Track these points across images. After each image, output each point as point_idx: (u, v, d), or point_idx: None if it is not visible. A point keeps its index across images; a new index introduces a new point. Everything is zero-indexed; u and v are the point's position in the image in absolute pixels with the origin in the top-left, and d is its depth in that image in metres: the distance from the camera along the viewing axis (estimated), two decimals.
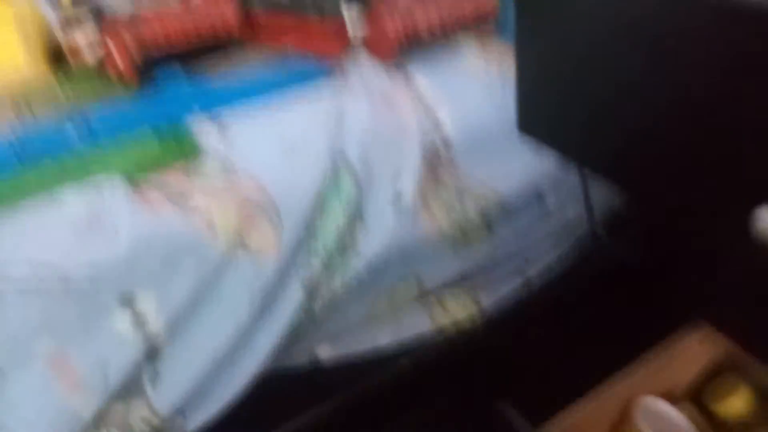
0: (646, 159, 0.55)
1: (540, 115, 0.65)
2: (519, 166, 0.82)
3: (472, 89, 0.81)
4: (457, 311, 0.85)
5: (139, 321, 0.60)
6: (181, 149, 0.66)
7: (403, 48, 0.79)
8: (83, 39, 0.73)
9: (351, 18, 0.83)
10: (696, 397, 0.96)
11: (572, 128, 0.61)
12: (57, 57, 0.77)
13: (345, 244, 0.72)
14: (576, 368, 0.87)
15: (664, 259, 0.88)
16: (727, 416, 0.91)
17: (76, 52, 0.74)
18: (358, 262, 0.72)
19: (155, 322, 0.61)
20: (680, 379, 0.95)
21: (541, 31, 0.59)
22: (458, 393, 0.84)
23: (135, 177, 0.64)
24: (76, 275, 0.56)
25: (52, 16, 0.75)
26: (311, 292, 0.71)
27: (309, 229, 0.69)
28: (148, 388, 0.63)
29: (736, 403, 0.91)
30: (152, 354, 0.62)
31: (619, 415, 0.92)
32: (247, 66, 0.80)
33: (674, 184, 0.54)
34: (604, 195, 0.94)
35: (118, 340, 0.59)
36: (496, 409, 0.81)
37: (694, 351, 0.94)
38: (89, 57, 0.74)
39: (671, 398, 0.94)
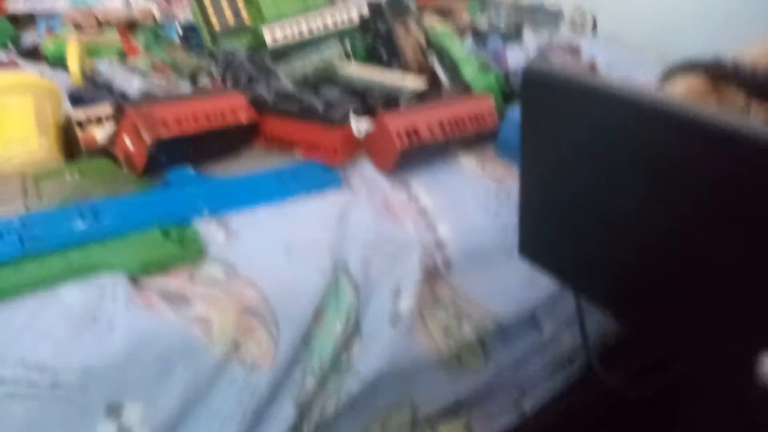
0: (646, 291, 0.55)
1: (541, 241, 0.65)
2: (516, 290, 0.82)
3: (473, 208, 0.82)
4: None
5: None
6: (186, 251, 0.65)
7: (407, 156, 0.80)
8: (101, 134, 0.74)
9: (359, 128, 0.85)
10: None
11: (571, 257, 0.62)
12: (69, 144, 0.77)
13: (341, 362, 0.70)
14: None
15: (661, 394, 0.86)
16: None
17: (91, 143, 0.75)
18: (353, 383, 0.70)
19: None
20: None
21: (544, 162, 0.61)
22: None
23: (138, 276, 0.62)
24: (67, 380, 0.53)
25: (72, 112, 0.76)
26: (303, 412, 0.68)
27: (306, 342, 0.67)
28: None
29: None
30: None
31: None
32: (256, 169, 0.80)
33: (673, 320, 0.54)
34: (599, 325, 0.93)
35: None
36: None
37: None
38: (103, 148, 0.74)
39: None
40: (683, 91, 0.72)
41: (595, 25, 1.63)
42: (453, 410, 0.83)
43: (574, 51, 1.32)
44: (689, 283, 0.51)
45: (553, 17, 1.59)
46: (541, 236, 0.63)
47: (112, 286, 0.60)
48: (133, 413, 0.57)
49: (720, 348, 0.52)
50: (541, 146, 0.58)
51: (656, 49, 1.32)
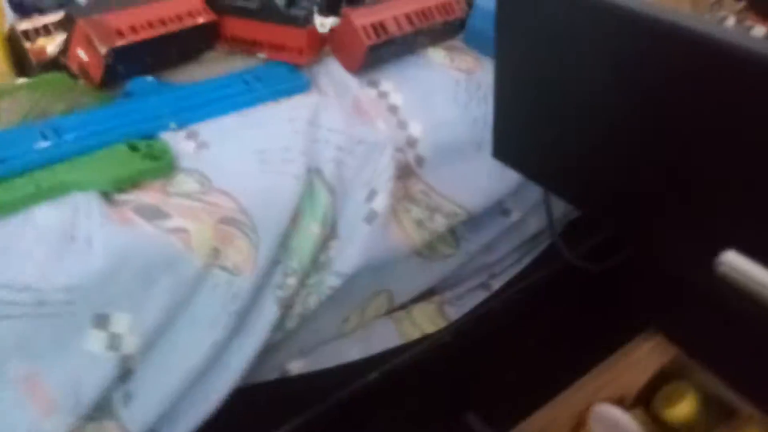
0: (615, 188, 0.57)
1: (514, 143, 0.66)
2: (485, 182, 0.84)
3: (443, 102, 0.82)
4: (426, 325, 0.87)
5: (113, 342, 0.58)
6: (157, 164, 0.65)
7: (374, 52, 0.79)
8: (52, 46, 0.70)
9: (323, 25, 0.82)
10: (647, 404, 1.01)
11: (544, 157, 0.63)
12: (18, 57, 0.74)
13: (320, 262, 0.72)
14: (538, 378, 0.91)
15: (621, 270, 0.92)
16: (675, 421, 0.97)
17: (41, 55, 0.71)
18: (333, 281, 0.73)
19: (129, 342, 0.59)
20: (632, 386, 1.00)
21: (518, 60, 0.60)
22: (425, 404, 0.86)
23: (110, 193, 0.62)
24: (52, 299, 0.55)
25: (17, 23, 0.72)
26: (285, 310, 0.71)
27: (284, 246, 0.69)
28: (120, 409, 0.61)
29: (683, 409, 0.97)
30: (125, 374, 0.61)
31: (577, 422, 0.96)
32: (220, 74, 0.78)
33: (642, 212, 0.56)
34: (563, 208, 0.97)
35: (92, 362, 0.58)
36: (463, 420, 0.83)
37: (646, 359, 0.99)
38: (56, 60, 0.71)
39: (624, 405, 0.99)
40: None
41: None
42: (426, 295, 0.88)
43: None
44: (654, 179, 0.53)
45: None
46: (515, 138, 0.64)
47: (86, 205, 0.60)
48: (120, 323, 0.59)
49: (681, 243, 0.55)
50: (515, 43, 0.57)
51: None
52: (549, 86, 0.57)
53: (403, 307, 0.86)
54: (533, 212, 0.92)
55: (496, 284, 0.93)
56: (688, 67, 0.44)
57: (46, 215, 0.59)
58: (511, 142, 0.65)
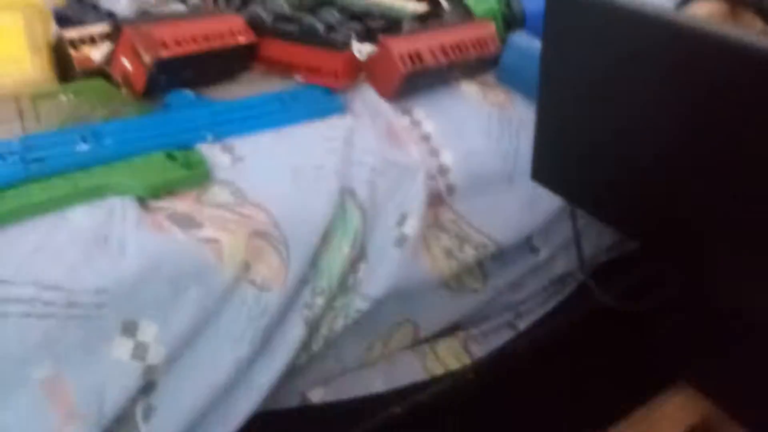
0: (658, 211, 0.56)
1: (555, 166, 0.66)
2: (515, 215, 0.83)
3: (475, 134, 0.82)
4: (450, 361, 0.84)
5: (139, 351, 0.57)
6: (193, 174, 0.64)
7: (409, 80, 0.79)
8: (97, 54, 0.71)
9: (360, 52, 0.83)
10: None
11: (586, 179, 0.63)
12: (61, 65, 0.75)
13: (348, 284, 0.71)
14: (562, 423, 0.87)
15: (651, 315, 0.89)
16: None
17: (86, 63, 0.72)
18: (360, 304, 0.71)
19: (155, 352, 0.57)
20: None
21: (563, 84, 0.61)
22: None
23: (145, 199, 0.62)
24: (83, 300, 0.53)
25: (64, 31, 0.73)
26: (312, 330, 0.69)
27: (314, 265, 0.68)
28: (141, 423, 0.59)
29: None
30: (148, 387, 0.59)
31: None
32: (256, 93, 0.79)
33: (681, 240, 0.55)
34: (592, 250, 0.96)
35: (117, 370, 0.56)
36: None
37: (675, 415, 0.96)
38: (99, 69, 0.72)
39: None
40: (703, 15, 0.72)
41: None
42: (451, 330, 0.85)
43: None
44: (700, 204, 0.52)
45: None
46: (556, 160, 0.64)
47: (121, 208, 0.60)
48: (148, 331, 0.57)
49: (721, 270, 0.54)
50: (561, 68, 0.58)
51: None
52: (594, 105, 0.57)
53: (428, 340, 0.84)
54: (562, 252, 0.91)
55: (522, 324, 0.91)
56: (749, 85, 0.44)
57: (81, 216, 0.58)
58: (551, 164, 0.64)
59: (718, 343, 0.84)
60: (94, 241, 0.57)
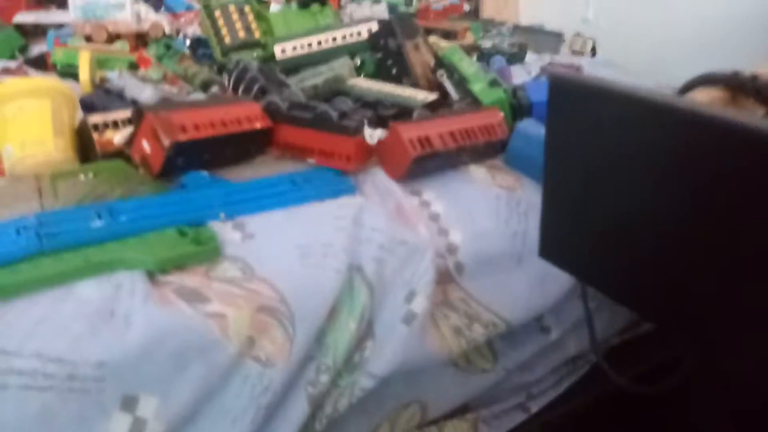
0: (669, 290, 0.55)
1: (562, 243, 0.66)
2: (525, 295, 0.83)
3: (484, 215, 0.83)
4: None
5: (137, 427, 0.56)
6: (203, 249, 0.66)
7: (419, 163, 0.82)
8: (118, 137, 0.75)
9: (372, 137, 0.86)
10: None
11: (594, 257, 0.63)
12: (83, 149, 0.78)
13: (355, 362, 0.70)
14: None
15: (668, 398, 0.86)
16: None
17: (107, 146, 0.76)
18: (366, 382, 0.70)
19: (153, 429, 0.56)
20: None
21: (568, 166, 0.62)
22: None
23: (155, 274, 0.63)
24: (84, 373, 0.53)
25: (89, 116, 0.77)
26: (315, 409, 0.67)
27: (320, 340, 0.68)
28: None
29: None
30: None
31: None
32: (270, 175, 0.81)
33: (695, 319, 0.54)
34: (604, 329, 0.94)
35: None
36: None
37: None
38: (119, 152, 0.75)
39: None
40: (704, 101, 0.74)
41: (594, 50, 1.67)
42: (461, 411, 0.83)
43: (577, 70, 1.34)
44: (713, 285, 0.51)
45: (554, 40, 1.63)
46: (563, 238, 0.64)
47: (130, 282, 0.60)
48: (148, 407, 0.57)
49: (733, 346, 0.53)
50: (566, 151, 0.59)
51: (654, 75, 1.35)
52: (598, 187, 0.58)
53: (436, 422, 0.82)
54: (574, 332, 0.90)
55: (535, 406, 0.88)
56: (753, 168, 0.45)
57: (89, 290, 0.59)
58: (558, 241, 0.65)
59: (737, 423, 0.80)
60: (100, 314, 0.57)
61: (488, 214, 0.83)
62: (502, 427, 0.84)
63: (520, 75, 1.31)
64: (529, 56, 1.51)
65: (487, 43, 1.46)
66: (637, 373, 0.84)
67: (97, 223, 0.65)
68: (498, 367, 0.84)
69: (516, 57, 1.43)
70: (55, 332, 0.55)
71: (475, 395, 0.83)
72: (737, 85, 0.74)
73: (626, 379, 0.81)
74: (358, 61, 1.13)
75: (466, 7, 1.92)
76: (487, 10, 1.92)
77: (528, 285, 0.82)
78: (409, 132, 0.82)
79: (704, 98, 0.77)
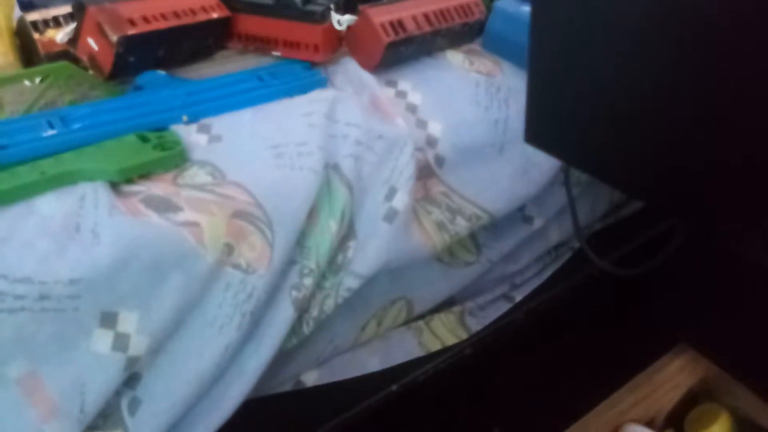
0: (659, 164, 0.53)
1: (549, 126, 0.63)
2: (507, 185, 0.81)
3: (463, 103, 0.79)
4: (446, 336, 0.82)
5: (119, 342, 0.54)
6: (168, 155, 0.61)
7: (392, 50, 0.77)
8: (61, 36, 0.68)
9: (340, 23, 0.80)
10: (678, 426, 0.96)
11: (582, 137, 0.60)
12: (25, 50, 0.71)
13: (337, 263, 0.69)
14: (564, 393, 0.86)
15: (649, 281, 0.88)
16: None
17: (50, 46, 0.69)
18: (351, 282, 0.68)
19: (137, 343, 0.55)
20: (663, 406, 0.95)
21: (553, 39, 0.58)
22: (448, 419, 0.81)
23: (118, 184, 0.59)
24: (55, 292, 0.51)
25: (26, 14, 0.69)
26: (301, 313, 0.67)
27: (300, 245, 0.65)
28: (127, 417, 0.56)
29: (716, 431, 0.91)
30: (131, 379, 0.57)
31: None
32: (232, 71, 0.75)
33: (687, 193, 0.53)
34: (586, 218, 0.94)
35: (97, 364, 0.53)
36: None
37: (676, 377, 0.95)
38: (64, 52, 0.69)
39: (654, 426, 0.94)
40: None
41: None
42: (447, 305, 0.84)
43: None
44: (702, 152, 0.49)
45: None
46: (550, 120, 0.61)
47: (93, 194, 0.56)
48: (128, 322, 0.55)
49: (727, 215, 0.51)
50: (550, 23, 0.54)
51: None
52: (583, 58, 0.54)
53: (423, 316, 0.82)
54: (556, 220, 0.89)
55: (519, 295, 0.89)
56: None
57: (50, 204, 0.55)
58: (545, 125, 0.62)
59: (717, 303, 0.82)
60: (65, 229, 0.54)
61: (468, 102, 0.79)
62: (488, 317, 0.85)
63: None
64: None
65: None
66: (618, 256, 0.85)
67: (49, 132, 0.60)
68: (482, 259, 0.83)
69: None
70: (20, 252, 0.52)
71: (460, 288, 0.83)
72: None
73: (608, 262, 0.81)
74: None
75: None
76: None
77: (510, 175, 0.80)
78: (380, 16, 0.76)
79: None
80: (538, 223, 0.87)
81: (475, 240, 0.83)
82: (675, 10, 0.46)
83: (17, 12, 0.76)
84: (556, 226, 0.90)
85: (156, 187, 0.60)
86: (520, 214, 0.86)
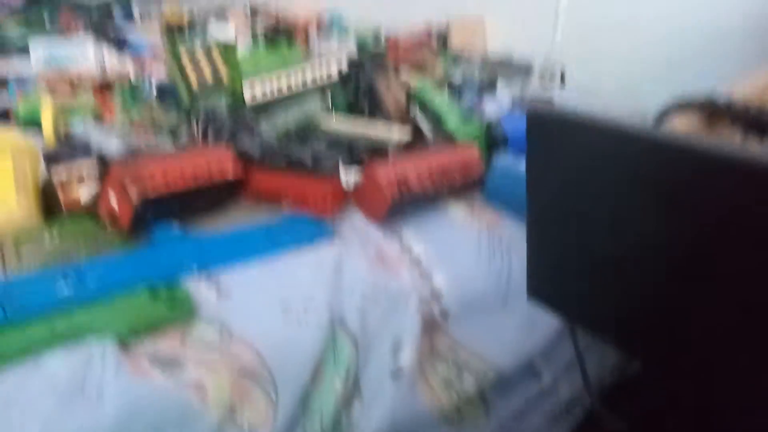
0: (656, 327, 0.53)
1: (549, 283, 0.64)
2: (513, 337, 0.80)
3: (466, 256, 0.81)
4: None
5: None
6: (176, 311, 0.62)
7: (397, 205, 0.79)
8: (84, 193, 0.71)
9: (348, 180, 0.84)
10: None
11: (581, 296, 0.61)
12: (48, 204, 0.74)
13: (342, 425, 0.67)
14: None
15: None
16: None
17: (72, 204, 0.72)
18: None
19: None
20: None
21: (550, 202, 0.60)
22: None
23: (127, 340, 0.59)
24: None
25: (53, 171, 0.73)
26: None
27: (305, 403, 0.64)
28: None
29: None
30: None
31: None
32: (245, 223, 0.78)
33: (683, 355, 0.52)
34: (597, 371, 0.92)
35: None
36: None
37: None
38: (85, 208, 0.72)
39: None
40: (680, 129, 0.73)
41: (563, 78, 1.68)
42: None
43: (548, 103, 1.35)
44: (696, 315, 0.50)
45: (524, 70, 1.63)
46: (550, 278, 0.62)
47: (100, 353, 0.57)
48: None
49: (725, 386, 0.51)
50: (547, 186, 0.57)
51: (624, 98, 1.36)
52: (581, 221, 0.56)
53: None
54: (565, 375, 0.87)
55: None
56: (730, 194, 0.43)
57: (57, 362, 0.55)
58: (546, 282, 0.63)
59: None
60: (70, 390, 0.53)
61: (470, 254, 0.81)
62: None
63: (492, 107, 1.31)
64: (501, 88, 1.51)
65: (457, 76, 1.46)
66: (634, 415, 0.82)
67: (64, 289, 0.61)
68: (491, 418, 0.80)
69: (487, 89, 1.43)
70: (25, 413, 0.51)
71: None
72: (712, 111, 0.73)
73: (623, 422, 0.78)
74: (329, 100, 1.11)
75: (435, 39, 1.92)
76: (456, 40, 1.93)
77: (516, 327, 0.80)
78: (386, 174, 0.80)
79: (680, 125, 0.76)
80: (547, 377, 0.85)
81: (483, 399, 0.80)
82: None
83: (42, 165, 0.80)
84: (567, 380, 0.88)
85: (163, 344, 0.60)
86: (528, 368, 0.84)
